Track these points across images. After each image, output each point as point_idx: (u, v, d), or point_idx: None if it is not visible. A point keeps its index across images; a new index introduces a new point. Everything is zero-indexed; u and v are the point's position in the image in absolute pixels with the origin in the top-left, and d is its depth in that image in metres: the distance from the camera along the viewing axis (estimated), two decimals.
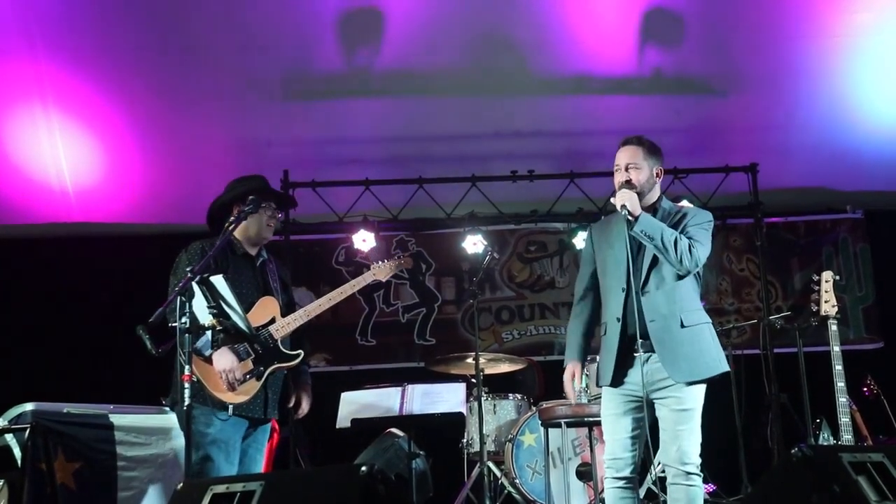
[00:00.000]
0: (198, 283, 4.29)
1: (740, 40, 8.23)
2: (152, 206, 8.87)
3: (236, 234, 5.00)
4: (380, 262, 5.39)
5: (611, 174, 8.50)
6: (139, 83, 8.21)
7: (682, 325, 4.57)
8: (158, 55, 8.02)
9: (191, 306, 4.24)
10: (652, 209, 4.71)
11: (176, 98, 8.36)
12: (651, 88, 8.53)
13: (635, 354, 4.60)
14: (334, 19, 7.97)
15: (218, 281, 4.41)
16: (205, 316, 4.35)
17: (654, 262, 4.63)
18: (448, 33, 8.02)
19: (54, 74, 8.02)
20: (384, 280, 5.45)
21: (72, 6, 7.70)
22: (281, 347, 4.89)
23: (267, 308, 4.92)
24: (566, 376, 4.89)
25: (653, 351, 4.57)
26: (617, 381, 4.64)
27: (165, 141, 8.54)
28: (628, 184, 4.66)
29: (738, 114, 8.72)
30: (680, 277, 4.62)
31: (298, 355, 4.95)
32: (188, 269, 4.35)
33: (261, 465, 5.02)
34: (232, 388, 4.66)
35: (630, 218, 4.52)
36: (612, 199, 4.67)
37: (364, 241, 8.47)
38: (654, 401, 4.60)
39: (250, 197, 4.82)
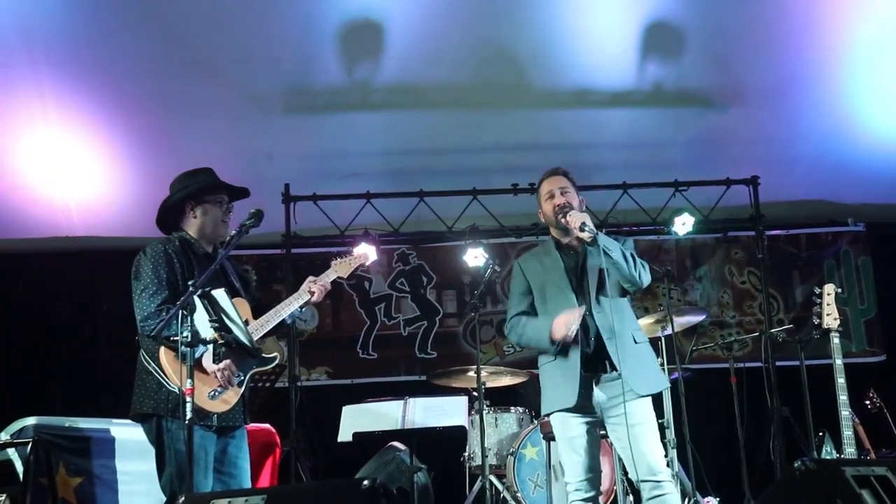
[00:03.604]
0: (199, 296, 4.27)
1: (741, 53, 8.23)
2: (153, 220, 8.85)
3: (192, 232, 4.93)
4: (339, 259, 5.34)
5: (611, 187, 8.57)
6: (141, 97, 8.22)
7: (635, 342, 4.77)
8: (160, 69, 8.02)
9: (192, 320, 4.22)
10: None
11: (177, 112, 8.36)
12: (651, 101, 8.53)
13: (589, 373, 4.71)
14: (335, 33, 7.97)
15: (219, 294, 4.38)
16: (206, 330, 4.32)
17: (601, 283, 4.76)
18: (448, 47, 8.03)
19: (56, 88, 8.02)
20: (345, 276, 5.37)
21: (73, 20, 7.70)
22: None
23: (239, 311, 4.72)
24: (563, 317, 4.69)
25: (604, 371, 4.70)
26: (577, 403, 4.70)
27: (167, 155, 8.52)
28: (568, 206, 4.81)
29: (739, 126, 8.72)
30: (622, 296, 4.82)
31: (275, 359, 4.88)
32: (190, 283, 4.33)
33: (248, 474, 4.91)
34: (229, 383, 4.60)
35: (590, 235, 4.63)
36: (563, 220, 4.77)
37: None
38: (607, 421, 4.72)
39: (251, 211, 4.77)
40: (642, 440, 4.60)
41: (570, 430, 4.76)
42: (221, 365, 4.56)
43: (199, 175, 5.04)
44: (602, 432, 4.84)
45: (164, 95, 8.24)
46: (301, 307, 5.00)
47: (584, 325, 4.73)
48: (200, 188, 4.95)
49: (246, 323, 4.75)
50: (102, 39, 7.82)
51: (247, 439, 4.96)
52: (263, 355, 4.83)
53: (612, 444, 5.12)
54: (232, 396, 4.67)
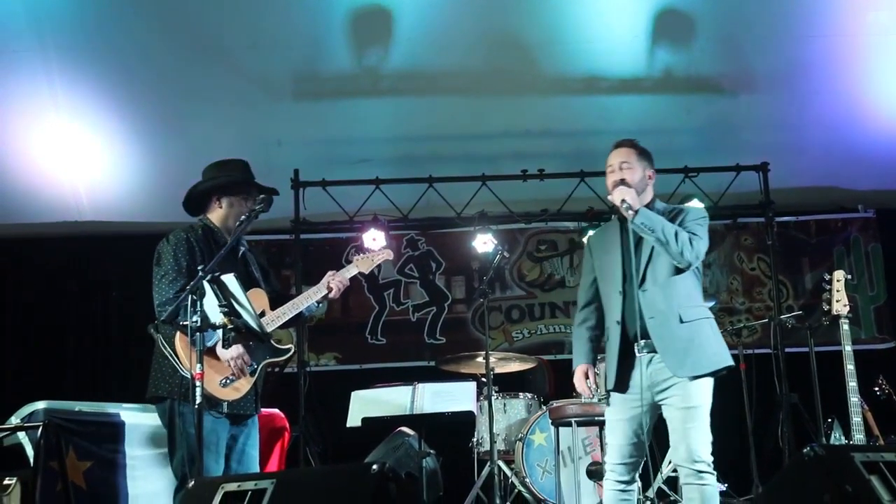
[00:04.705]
0: (209, 281, 4.28)
1: (752, 39, 8.19)
2: (163, 205, 8.86)
3: (215, 221, 4.98)
4: (361, 255, 5.37)
5: None
6: (149, 82, 8.23)
7: (682, 321, 4.58)
8: (169, 54, 8.03)
9: (202, 305, 4.23)
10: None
11: (186, 97, 8.36)
12: (662, 88, 8.51)
13: (637, 355, 4.61)
14: (344, 19, 7.96)
15: (229, 279, 4.39)
16: (216, 315, 4.34)
17: (651, 259, 4.66)
18: (458, 33, 8.02)
19: (65, 73, 8.03)
20: (367, 272, 5.41)
21: (82, 6, 7.72)
22: (273, 343, 4.85)
23: (256, 301, 4.80)
24: (578, 374, 4.87)
25: (654, 351, 4.57)
26: (620, 384, 4.64)
27: (176, 140, 8.55)
28: (623, 182, 4.73)
29: (750, 113, 8.69)
30: (678, 273, 4.64)
31: (289, 350, 4.93)
32: (199, 267, 4.35)
33: (257, 462, 4.99)
34: (242, 373, 4.65)
35: (630, 212, 4.56)
36: (609, 198, 4.75)
37: (374, 240, 8.46)
38: (660, 402, 4.60)
39: (261, 196, 4.81)
40: (688, 424, 4.48)
41: (615, 413, 4.70)
42: (234, 353, 4.60)
43: (232, 167, 5.10)
44: (658, 415, 4.71)
45: (173, 81, 8.24)
46: (318, 302, 5.04)
47: (628, 307, 4.65)
48: (229, 182, 4.99)
49: (262, 314, 4.82)
50: (111, 24, 7.83)
51: (257, 428, 5.00)
52: (278, 346, 4.88)
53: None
54: (244, 385, 4.71)
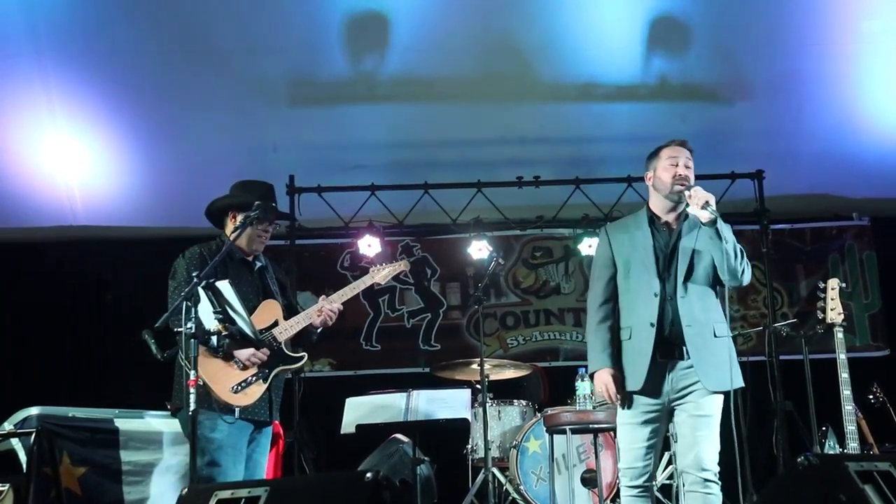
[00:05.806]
0: (203, 288, 4.31)
1: (747, 48, 8.21)
2: (158, 210, 8.88)
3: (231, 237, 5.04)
4: (378, 266, 5.41)
5: (615, 180, 8.53)
6: (145, 87, 8.23)
7: (715, 335, 4.57)
8: (165, 59, 8.03)
9: (196, 311, 4.25)
10: (685, 214, 4.69)
11: (182, 102, 8.37)
12: (657, 96, 8.52)
13: (663, 360, 4.56)
14: (341, 25, 7.97)
15: (224, 286, 4.42)
16: (210, 321, 4.36)
17: (690, 268, 4.59)
18: (454, 39, 8.02)
19: (60, 78, 8.03)
20: (383, 283, 5.44)
21: (78, 9, 7.72)
22: (285, 350, 4.91)
23: (269, 311, 4.95)
24: (606, 380, 4.64)
25: (680, 358, 4.54)
26: (645, 387, 4.57)
27: (172, 145, 8.55)
28: (688, 180, 4.68)
29: (745, 121, 8.69)
30: (713, 285, 4.61)
31: (302, 358, 4.98)
32: (194, 273, 4.38)
33: (265, 470, 5.04)
34: (257, 367, 4.74)
35: (710, 217, 4.46)
36: (684, 192, 4.62)
37: (369, 246, 8.46)
38: (675, 407, 4.58)
39: (256, 202, 4.84)
40: (700, 432, 4.47)
41: (629, 417, 4.63)
42: (247, 353, 4.71)
43: (254, 188, 5.13)
44: (668, 423, 4.69)
45: (169, 86, 8.25)
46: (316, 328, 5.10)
47: (665, 311, 4.58)
48: (245, 202, 5.02)
49: (275, 324, 4.92)
50: (107, 29, 7.83)
51: (269, 436, 5.08)
52: (290, 353, 4.94)
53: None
54: (255, 391, 4.77)
